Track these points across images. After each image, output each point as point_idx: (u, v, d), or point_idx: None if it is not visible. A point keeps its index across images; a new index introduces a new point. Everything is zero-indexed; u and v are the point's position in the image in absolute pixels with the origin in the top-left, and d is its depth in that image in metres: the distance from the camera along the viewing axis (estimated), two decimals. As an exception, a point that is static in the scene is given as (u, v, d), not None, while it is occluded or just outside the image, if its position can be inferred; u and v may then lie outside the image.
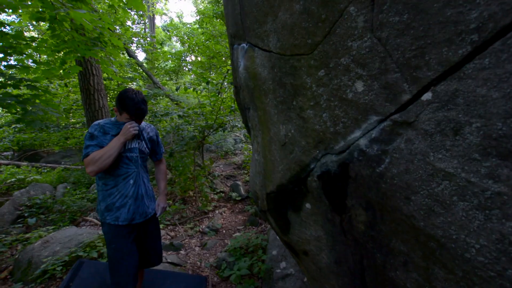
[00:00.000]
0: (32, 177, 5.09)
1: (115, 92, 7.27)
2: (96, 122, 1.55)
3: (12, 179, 5.04)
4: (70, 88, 6.74)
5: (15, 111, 2.53)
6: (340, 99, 0.93)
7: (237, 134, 7.29)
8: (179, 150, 4.29)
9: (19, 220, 3.94)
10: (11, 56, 2.78)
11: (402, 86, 0.77)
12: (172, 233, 3.49)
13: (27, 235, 3.34)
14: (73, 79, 6.64)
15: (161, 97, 5.87)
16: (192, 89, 4.23)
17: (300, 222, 1.25)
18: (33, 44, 3.03)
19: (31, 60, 3.98)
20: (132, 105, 1.49)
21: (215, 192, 4.46)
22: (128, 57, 7.42)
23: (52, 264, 2.59)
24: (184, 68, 9.88)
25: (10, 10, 2.60)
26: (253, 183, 1.65)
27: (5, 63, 2.84)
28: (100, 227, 3.61)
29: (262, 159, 1.41)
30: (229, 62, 5.76)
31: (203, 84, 5.37)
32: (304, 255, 1.32)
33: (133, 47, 8.52)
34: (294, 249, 1.40)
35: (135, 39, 8.24)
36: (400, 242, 0.81)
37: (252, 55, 1.36)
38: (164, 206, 1.78)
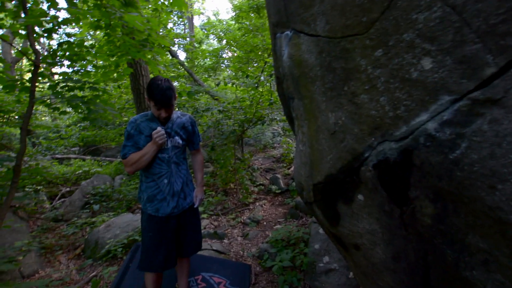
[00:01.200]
0: (94, 169, 5.75)
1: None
2: (133, 119, 1.61)
3: (80, 171, 5.75)
4: (122, 89, 7.38)
5: (81, 111, 2.85)
6: (402, 80, 0.84)
7: (275, 128, 7.24)
8: (220, 143, 4.41)
9: (86, 206, 4.50)
10: (76, 62, 3.13)
11: (484, 58, 0.66)
12: (216, 223, 3.63)
13: (93, 219, 3.78)
14: (125, 81, 7.26)
15: (201, 93, 6.09)
16: (231, 84, 4.29)
17: (351, 214, 1.18)
18: (92, 51, 3.37)
19: (90, 66, 4.43)
20: (157, 92, 1.49)
21: (255, 185, 4.49)
22: (170, 58, 7.85)
23: (114, 245, 2.89)
24: (222, 64, 10.11)
25: (74, 24, 2.91)
26: (297, 174, 1.60)
27: (71, 69, 3.21)
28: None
29: (308, 149, 1.36)
30: (266, 55, 5.70)
31: (241, 78, 5.43)
32: (354, 249, 1.25)
33: (175, 47, 8.98)
34: (344, 243, 1.33)
35: (176, 40, 8.66)
36: (479, 238, 0.70)
37: (297, 42, 1.31)
38: (202, 197, 1.79)
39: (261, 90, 4.29)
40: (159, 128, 1.55)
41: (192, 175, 3.54)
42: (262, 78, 4.24)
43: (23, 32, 2.94)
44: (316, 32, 1.15)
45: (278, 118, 4.54)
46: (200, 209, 2.19)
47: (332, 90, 1.11)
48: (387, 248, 1.03)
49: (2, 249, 2.82)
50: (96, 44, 3.78)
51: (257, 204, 3.99)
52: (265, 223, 3.49)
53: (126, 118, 6.96)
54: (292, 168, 4.84)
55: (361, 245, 1.17)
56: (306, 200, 1.55)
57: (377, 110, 0.93)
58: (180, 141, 1.66)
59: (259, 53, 6.23)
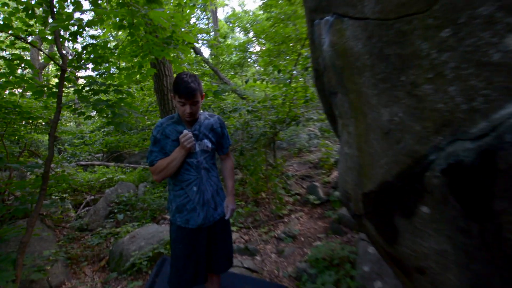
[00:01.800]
0: (118, 177, 6.17)
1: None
2: (158, 123, 1.68)
3: (103, 178, 6.20)
4: (145, 91, 7.86)
5: (105, 115, 3.08)
6: (479, 65, 0.77)
7: (311, 129, 7.11)
8: (249, 148, 4.45)
9: (110, 216, 4.83)
10: (100, 65, 3.40)
11: None
12: (246, 237, 3.64)
13: (118, 229, 4.04)
14: (147, 83, 7.72)
15: (228, 92, 6.23)
16: (260, 80, 4.32)
17: (413, 231, 1.10)
18: (115, 52, 3.64)
19: (113, 68, 4.78)
20: (182, 84, 1.52)
21: (289, 194, 4.43)
22: (194, 55, 8.18)
23: (138, 258, 3.05)
24: (249, 60, 10.27)
25: (97, 26, 3.18)
26: (343, 181, 1.55)
27: (96, 73, 3.50)
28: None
29: (356, 152, 1.31)
30: (300, 46, 5.66)
31: (272, 74, 5.45)
32: (418, 273, 1.17)
33: (198, 44, 9.33)
34: (403, 265, 1.25)
35: (200, 36, 9.00)
36: None
37: (341, 28, 1.27)
38: (233, 207, 1.80)
39: (294, 86, 4.25)
40: (185, 131, 1.59)
41: (222, 182, 3.61)
42: (295, 72, 4.20)
43: (50, 37, 3.29)
44: (364, 14, 1.11)
45: (315, 118, 4.45)
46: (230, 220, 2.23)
47: (385, 82, 1.07)
48: (462, 274, 0.94)
49: (31, 257, 3.15)
50: (119, 45, 4.08)
51: (293, 216, 3.93)
52: (302, 238, 3.42)
53: (149, 122, 7.39)
54: (332, 175, 4.69)
55: (427, 269, 1.09)
56: (353, 212, 1.50)
57: (445, 102, 0.86)
58: (210, 145, 1.69)
59: (291, 44, 6.20)
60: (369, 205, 1.29)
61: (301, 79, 4.60)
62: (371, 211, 1.30)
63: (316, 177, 5.00)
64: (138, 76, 4.26)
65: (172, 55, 3.68)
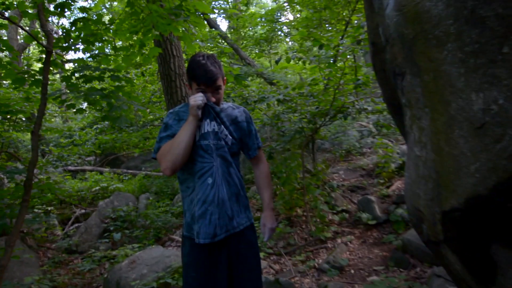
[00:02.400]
0: (114, 185, 6.42)
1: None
2: (171, 110, 1.75)
3: (96, 188, 6.47)
4: (147, 77, 8.12)
5: (100, 107, 3.21)
6: None
7: (364, 124, 6.97)
8: (280, 149, 4.43)
9: (105, 235, 5.02)
10: (93, 45, 3.55)
11: None
12: (277, 266, 3.63)
13: (114, 252, 4.21)
14: (149, 66, 7.95)
15: (252, 77, 6.27)
16: (295, 60, 4.27)
17: (519, 266, 1.04)
18: (111, 28, 3.78)
19: (108, 49, 4.96)
20: (199, 68, 1.58)
21: (334, 211, 4.36)
22: (208, 30, 8.31)
23: (140, 290, 3.14)
24: (280, 33, 10.24)
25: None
26: (412, 195, 1.52)
27: (88, 55, 3.66)
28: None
29: (433, 154, 1.29)
30: (348, 12, 5.55)
31: (311, 50, 5.39)
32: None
33: (214, 14, 9.45)
34: (503, 314, 1.18)
35: (215, 3, 9.11)
36: None
37: (412, -17, 1.25)
38: (273, 226, 1.81)
39: (341, 66, 4.16)
40: (196, 96, 1.63)
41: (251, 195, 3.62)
42: (342, 48, 4.11)
43: (32, 11, 3.48)
44: (447, -38, 1.07)
45: (369, 109, 4.34)
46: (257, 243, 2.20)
47: (478, 56, 1.05)
48: None
49: (10, 285, 3.34)
50: (116, 19, 4.23)
51: (339, 241, 3.86)
52: (352, 271, 3.36)
53: (152, 116, 7.59)
54: (394, 186, 4.55)
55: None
56: (427, 237, 1.47)
57: None
58: (231, 138, 1.73)
59: (338, 10, 6.07)
60: (452, 228, 1.26)
61: (350, 56, 4.50)
62: (455, 236, 1.27)
63: (370, 189, 4.87)
64: (138, 58, 4.40)
65: (181, 29, 3.75)
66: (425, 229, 1.44)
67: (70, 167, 8.13)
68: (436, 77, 1.20)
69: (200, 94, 1.60)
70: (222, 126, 1.71)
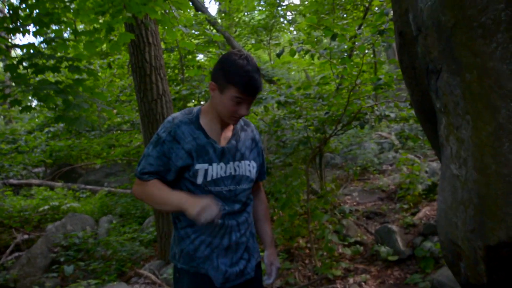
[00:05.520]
0: (68, 205, 6.33)
1: (176, 72, 8.19)
2: (170, 117, 1.74)
3: (45, 207, 6.35)
4: (115, 70, 8.09)
5: (53, 105, 3.18)
6: None
7: (385, 134, 6.99)
8: (280, 163, 4.41)
9: (53, 267, 4.92)
10: (48, 27, 3.53)
11: None
12: (273, 313, 3.59)
13: (64, 291, 4.12)
14: (118, 56, 7.91)
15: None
16: (301, 53, 4.28)
17: None
18: (71, 7, 3.77)
19: (67, 33, 4.92)
20: (243, 73, 1.59)
21: (346, 243, 4.38)
22: (193, 13, 8.32)
23: None
24: (282, 20, 10.29)
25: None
26: (446, 224, 1.53)
27: (41, 40, 3.64)
28: (161, 290, 4.04)
29: (475, 173, 1.30)
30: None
31: (320, 42, 5.41)
32: None
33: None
34: None
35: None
36: None
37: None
38: (279, 266, 1.91)
39: (358, 61, 4.18)
40: (214, 203, 1.57)
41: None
42: (360, 40, 4.15)
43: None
44: None
45: (392, 116, 4.36)
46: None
47: None
48: None
49: None
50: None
51: (351, 280, 3.86)
52: (368, 321, 3.35)
53: (119, 119, 7.51)
54: (421, 213, 4.59)
55: None
56: (466, 279, 1.47)
57: None
58: (253, 168, 1.79)
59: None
60: (498, 268, 1.27)
61: (369, 51, 4.54)
62: (502, 279, 1.27)
63: (391, 216, 4.88)
64: (105, 45, 4.37)
65: (159, 11, 3.75)
66: (463, 268, 1.45)
67: (12, 180, 8.02)
68: (481, 76, 1.20)
69: (216, 209, 1.55)
70: (245, 161, 1.76)
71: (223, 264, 1.70)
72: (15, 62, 3.17)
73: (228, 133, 1.76)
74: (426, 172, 5.18)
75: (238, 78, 1.58)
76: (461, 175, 1.37)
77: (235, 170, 1.72)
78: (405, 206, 4.88)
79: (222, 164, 1.70)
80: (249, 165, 1.76)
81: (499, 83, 1.14)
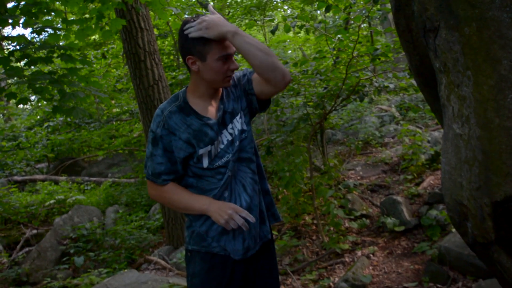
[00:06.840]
0: (74, 198, 6.38)
1: (171, 58, 8.12)
2: (159, 110, 1.70)
3: (51, 201, 6.40)
4: (109, 60, 8.04)
5: (49, 96, 3.16)
6: None
7: (385, 107, 6.95)
8: (281, 142, 4.40)
9: (64, 259, 5.00)
10: (38, 17, 3.48)
11: None
12: (282, 289, 3.63)
13: (76, 281, 4.18)
14: (112, 46, 7.87)
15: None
16: (295, 28, 4.23)
17: None
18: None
19: (59, 24, 4.86)
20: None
21: (352, 217, 4.40)
22: (183, -4, 8.23)
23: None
24: (274, -1, 10.15)
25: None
26: (451, 185, 1.52)
27: (31, 30, 3.60)
28: (171, 274, 4.06)
29: (478, 129, 1.28)
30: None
31: (315, 17, 5.35)
32: None
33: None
34: None
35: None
36: None
37: None
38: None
39: (353, 33, 4.14)
40: (239, 209, 1.63)
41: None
42: (355, 9, 4.08)
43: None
44: None
45: (391, 86, 4.32)
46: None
47: None
48: None
49: None
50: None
51: (359, 253, 3.89)
52: (377, 290, 3.37)
53: (118, 109, 7.50)
54: (425, 183, 4.59)
55: None
56: (473, 238, 1.48)
57: None
58: (244, 120, 1.75)
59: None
60: (506, 224, 1.27)
61: (364, 24, 4.47)
62: (510, 233, 1.28)
63: (396, 188, 4.90)
64: (97, 35, 4.33)
65: (150, -5, 3.69)
66: (470, 228, 1.45)
67: (16, 177, 8.05)
68: (480, 28, 1.18)
69: (242, 222, 1.61)
70: (236, 118, 1.73)
71: (239, 233, 1.68)
72: (6, 54, 3.13)
73: (218, 100, 1.73)
74: (428, 142, 5.17)
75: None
76: (464, 133, 1.35)
77: (230, 135, 1.70)
78: (409, 177, 4.88)
79: (220, 137, 1.69)
80: (240, 118, 1.73)
81: (499, 33, 1.12)
